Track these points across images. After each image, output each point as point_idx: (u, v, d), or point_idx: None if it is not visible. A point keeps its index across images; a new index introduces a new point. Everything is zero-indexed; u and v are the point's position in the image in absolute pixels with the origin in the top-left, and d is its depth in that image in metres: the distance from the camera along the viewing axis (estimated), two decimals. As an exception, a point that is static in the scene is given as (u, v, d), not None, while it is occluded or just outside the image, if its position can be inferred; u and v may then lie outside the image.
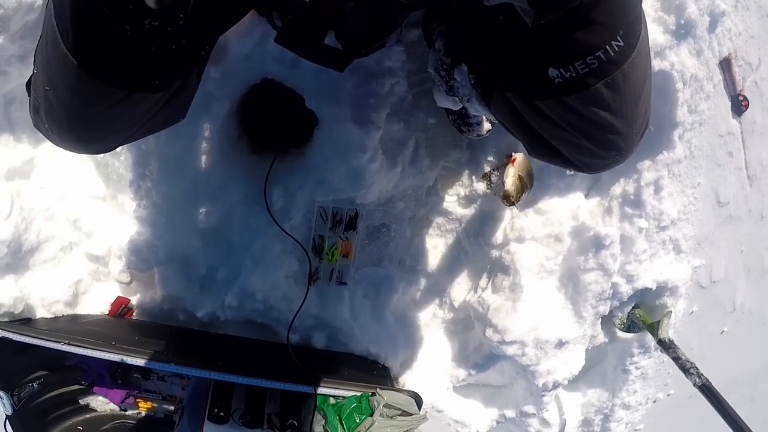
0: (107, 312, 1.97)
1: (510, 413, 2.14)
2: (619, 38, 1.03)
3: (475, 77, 1.37)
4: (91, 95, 1.03)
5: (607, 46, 1.02)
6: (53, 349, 1.60)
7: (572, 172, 1.64)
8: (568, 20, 0.99)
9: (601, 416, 2.29)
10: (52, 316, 1.92)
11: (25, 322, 1.84)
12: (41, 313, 1.90)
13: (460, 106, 1.60)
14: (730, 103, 2.49)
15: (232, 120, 1.75)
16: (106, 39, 0.96)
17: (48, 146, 1.77)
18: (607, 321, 2.17)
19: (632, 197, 2.01)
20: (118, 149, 1.74)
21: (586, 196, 2.02)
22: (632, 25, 1.05)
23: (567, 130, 1.14)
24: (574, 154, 1.22)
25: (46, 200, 1.83)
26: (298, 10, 1.17)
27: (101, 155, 1.80)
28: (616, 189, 2.02)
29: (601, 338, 2.18)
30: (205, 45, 1.12)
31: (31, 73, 1.13)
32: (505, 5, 0.91)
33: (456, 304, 2.06)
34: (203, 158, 1.75)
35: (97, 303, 1.98)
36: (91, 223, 1.88)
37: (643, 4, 1.10)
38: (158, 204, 1.75)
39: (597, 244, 1.93)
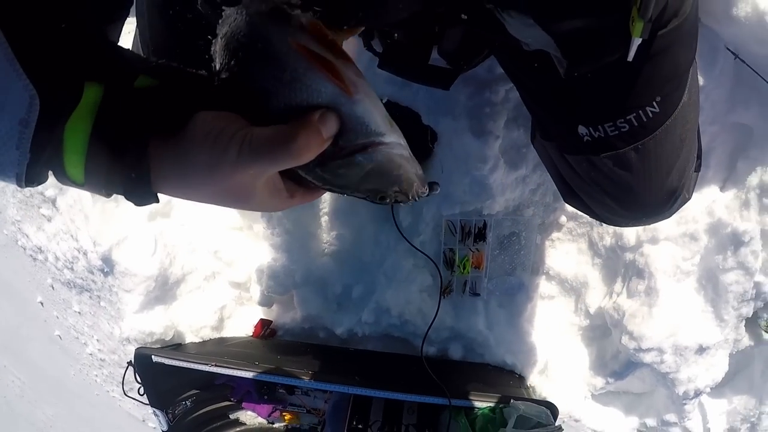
0: (251, 334, 2.08)
1: (651, 422, 2.01)
2: (655, 104, 0.97)
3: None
4: None
5: (641, 111, 0.98)
6: (202, 371, 1.71)
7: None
8: (604, 77, 0.94)
9: (748, 425, 2.08)
10: (200, 340, 2.07)
11: (175, 347, 1.99)
12: (190, 338, 2.05)
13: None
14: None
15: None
16: None
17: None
18: (751, 323, 1.98)
19: (771, 187, 1.82)
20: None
21: (721, 188, 1.86)
22: (673, 92, 1.00)
23: (592, 186, 1.13)
24: (599, 209, 1.21)
25: (187, 235, 1.95)
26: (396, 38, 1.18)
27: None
28: (753, 179, 1.81)
29: (746, 342, 1.99)
30: None
31: None
32: (542, 52, 0.87)
33: (591, 310, 1.97)
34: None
35: (241, 326, 2.09)
36: (231, 253, 1.99)
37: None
38: (291, 231, 1.82)
39: (736, 241, 1.77)
